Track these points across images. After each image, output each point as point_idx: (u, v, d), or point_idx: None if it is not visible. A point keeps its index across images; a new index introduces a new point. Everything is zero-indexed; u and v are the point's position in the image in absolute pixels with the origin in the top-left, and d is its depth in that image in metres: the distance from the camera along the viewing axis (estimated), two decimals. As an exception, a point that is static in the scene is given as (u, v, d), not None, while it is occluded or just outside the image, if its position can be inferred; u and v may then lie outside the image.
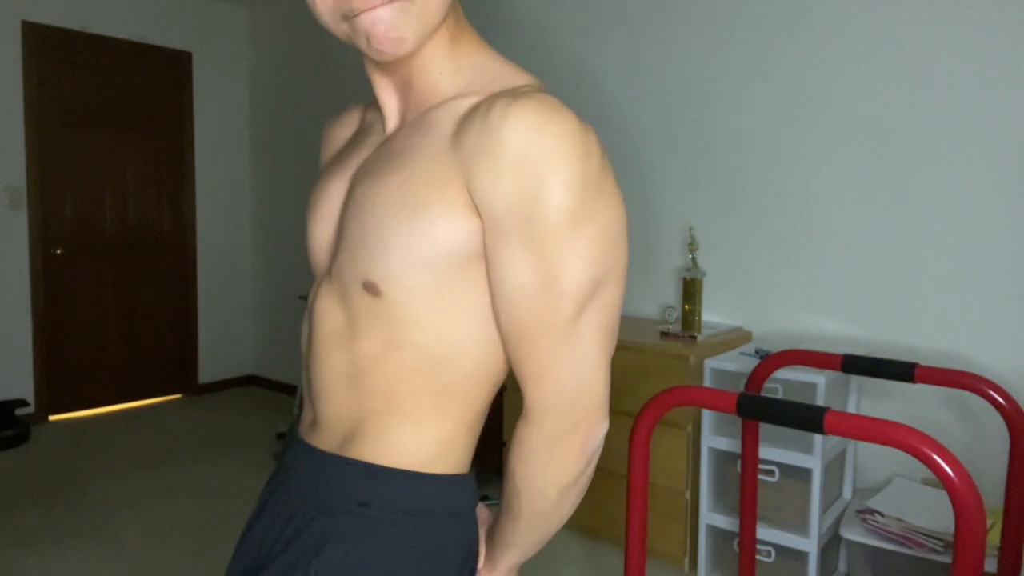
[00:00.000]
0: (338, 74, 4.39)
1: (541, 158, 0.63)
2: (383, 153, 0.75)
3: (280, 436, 3.64)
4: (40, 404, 4.10)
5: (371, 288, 0.71)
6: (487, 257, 0.69)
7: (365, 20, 0.68)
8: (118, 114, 4.36)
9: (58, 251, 4.15)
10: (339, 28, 0.71)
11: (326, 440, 0.79)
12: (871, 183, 2.49)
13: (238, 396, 4.79)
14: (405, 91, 0.77)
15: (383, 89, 0.78)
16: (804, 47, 2.61)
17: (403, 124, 0.77)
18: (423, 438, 0.75)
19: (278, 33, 4.76)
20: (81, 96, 4.20)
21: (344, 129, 0.92)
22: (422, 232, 0.68)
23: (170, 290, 4.66)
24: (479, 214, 0.68)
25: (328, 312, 0.76)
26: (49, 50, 4.06)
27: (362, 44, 0.71)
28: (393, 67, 0.76)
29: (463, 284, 0.70)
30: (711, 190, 2.87)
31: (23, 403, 3.89)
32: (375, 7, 0.67)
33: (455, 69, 0.75)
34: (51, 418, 4.17)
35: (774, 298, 2.73)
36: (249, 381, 5.08)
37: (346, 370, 0.75)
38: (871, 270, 2.50)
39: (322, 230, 0.81)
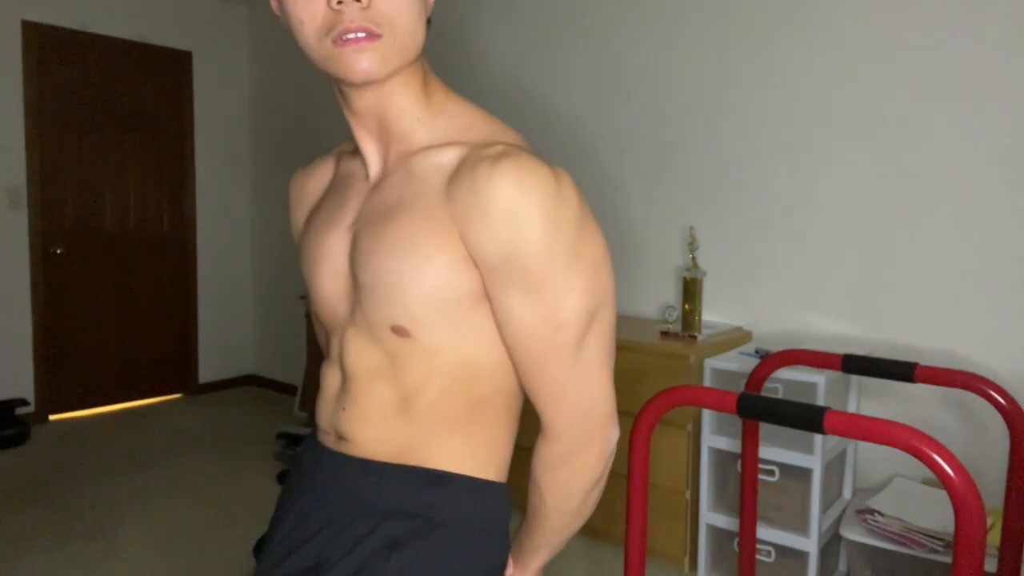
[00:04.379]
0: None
1: (525, 212, 0.70)
2: (377, 203, 0.80)
3: (280, 436, 3.64)
4: (40, 404, 4.10)
5: (400, 331, 0.77)
6: (490, 301, 0.76)
7: (350, 52, 0.72)
8: (118, 114, 4.36)
9: (58, 251, 4.15)
10: (320, 46, 0.73)
11: (366, 452, 0.83)
12: (871, 183, 2.49)
13: (238, 396, 4.80)
14: (384, 138, 0.82)
15: (363, 137, 0.82)
16: (805, 48, 2.61)
17: (386, 171, 0.81)
18: (470, 445, 0.82)
19: (278, 33, 4.76)
20: (81, 96, 4.20)
21: (316, 181, 0.95)
22: (432, 280, 0.74)
23: (170, 290, 4.66)
24: (476, 264, 0.74)
25: (363, 353, 0.81)
26: (49, 50, 4.06)
27: (336, 67, 0.74)
28: (371, 115, 0.80)
29: (477, 316, 0.77)
30: (711, 190, 2.87)
31: (23, 403, 3.89)
32: (360, 43, 0.72)
33: (430, 116, 0.80)
34: (51, 418, 4.18)
35: (774, 298, 2.73)
36: (249, 381, 5.08)
37: (394, 400, 0.81)
38: (871, 270, 2.50)
39: (331, 282, 0.84)
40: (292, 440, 3.57)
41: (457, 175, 0.74)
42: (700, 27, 2.87)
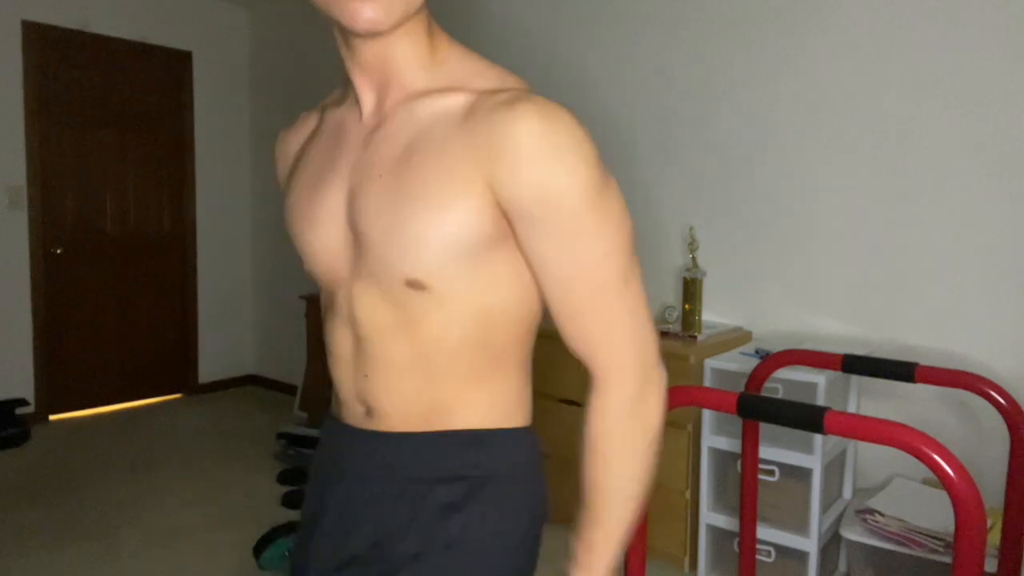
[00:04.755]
0: (337, 74, 4.39)
1: (554, 150, 0.70)
2: (378, 152, 0.77)
3: (280, 436, 3.64)
4: (40, 404, 4.10)
5: (416, 284, 0.75)
6: (524, 249, 0.75)
7: (353, 3, 0.70)
8: (118, 114, 4.36)
9: (58, 251, 4.15)
10: None
11: (397, 423, 0.82)
12: (871, 183, 2.49)
13: (238, 396, 4.79)
14: (384, 84, 0.79)
15: (363, 86, 0.80)
16: (804, 48, 2.61)
17: (383, 118, 0.79)
18: (495, 398, 0.82)
19: (278, 33, 4.76)
20: (81, 96, 4.20)
21: (299, 136, 0.92)
22: (452, 227, 0.73)
23: (170, 290, 4.66)
24: (500, 207, 0.73)
25: (374, 310, 0.79)
26: (49, 50, 4.06)
27: (341, 14, 0.71)
28: (374, 65, 0.77)
29: (494, 262, 0.76)
30: (711, 190, 2.87)
31: (23, 403, 3.89)
32: None
33: (432, 63, 0.78)
34: (51, 418, 4.17)
35: (774, 298, 2.73)
36: (249, 381, 5.08)
37: (412, 358, 0.79)
38: (871, 270, 2.50)
39: (327, 238, 0.82)
40: (292, 440, 3.57)
41: (472, 120, 0.73)
42: (701, 27, 2.87)
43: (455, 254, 0.73)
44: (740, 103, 2.78)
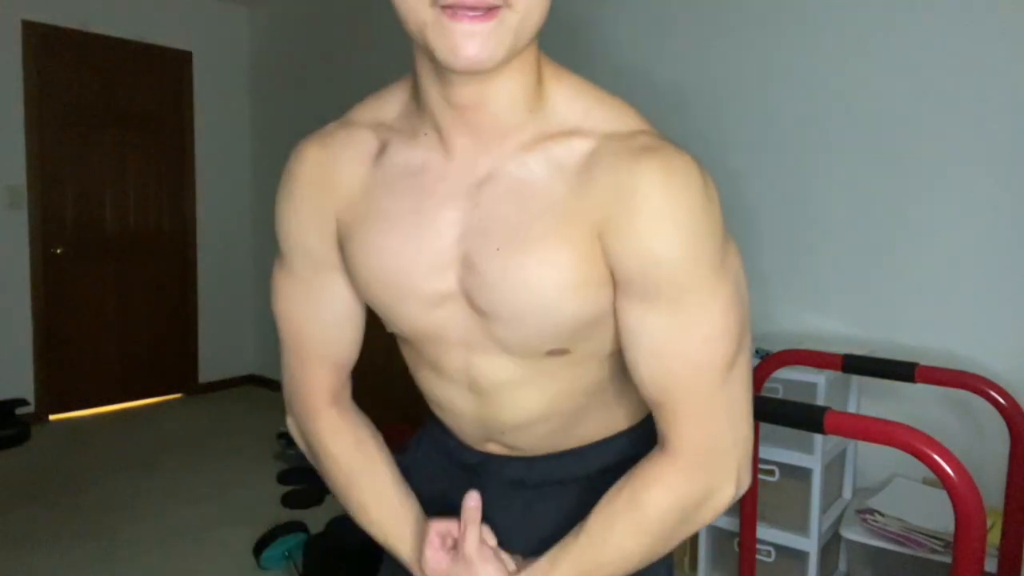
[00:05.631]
0: (338, 74, 4.39)
1: (673, 220, 0.64)
2: (491, 215, 0.68)
3: (280, 436, 3.64)
4: (40, 404, 4.10)
5: (557, 352, 0.74)
6: (618, 312, 0.70)
7: (458, 32, 0.59)
8: (118, 114, 4.36)
9: (58, 251, 4.15)
10: (420, 12, 0.60)
11: (529, 453, 0.86)
12: (871, 183, 2.49)
13: (238, 396, 4.79)
14: (481, 127, 0.68)
15: (455, 129, 0.69)
16: (804, 47, 2.61)
17: (493, 171, 0.69)
18: (618, 417, 0.85)
19: (278, 33, 4.76)
20: (81, 96, 4.20)
21: (350, 166, 0.76)
22: (591, 303, 0.69)
23: (170, 290, 4.66)
24: (607, 266, 0.68)
25: (500, 369, 0.76)
26: (49, 50, 4.06)
27: (437, 44, 0.60)
28: (472, 105, 0.67)
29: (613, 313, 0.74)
30: (711, 190, 2.87)
31: (23, 403, 3.89)
32: (475, 21, 0.59)
33: (539, 102, 0.69)
34: (51, 418, 4.17)
35: (774, 298, 2.73)
36: (249, 381, 5.08)
37: (542, 407, 0.79)
38: (871, 270, 2.50)
39: (435, 310, 0.73)
40: (292, 440, 3.57)
41: (591, 174, 0.66)
42: (699, 29, 2.87)
43: (596, 322, 0.71)
44: (740, 102, 2.77)
